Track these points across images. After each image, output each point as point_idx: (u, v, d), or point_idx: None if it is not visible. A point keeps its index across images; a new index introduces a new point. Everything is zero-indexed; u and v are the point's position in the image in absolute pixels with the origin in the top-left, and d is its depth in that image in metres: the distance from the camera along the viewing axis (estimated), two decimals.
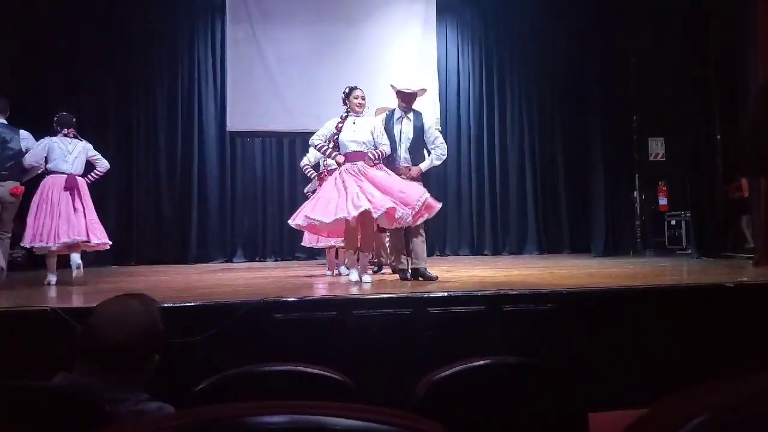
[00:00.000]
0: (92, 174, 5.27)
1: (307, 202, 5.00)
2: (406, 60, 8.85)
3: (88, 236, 4.89)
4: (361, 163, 4.60)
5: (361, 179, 4.50)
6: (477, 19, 9.50)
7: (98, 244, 5.06)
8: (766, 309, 3.39)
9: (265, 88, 8.67)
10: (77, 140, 5.11)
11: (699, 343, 3.26)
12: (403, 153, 4.89)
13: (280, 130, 8.81)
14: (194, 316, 3.24)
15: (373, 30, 8.91)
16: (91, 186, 5.25)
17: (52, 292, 4.64)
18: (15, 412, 1.29)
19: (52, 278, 4.88)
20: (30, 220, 4.85)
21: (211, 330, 3.09)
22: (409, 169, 4.84)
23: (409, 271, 4.77)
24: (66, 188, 4.90)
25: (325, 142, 4.78)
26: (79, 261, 5.00)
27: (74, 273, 4.94)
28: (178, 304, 3.32)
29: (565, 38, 9.04)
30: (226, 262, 8.52)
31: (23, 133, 4.87)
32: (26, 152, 4.82)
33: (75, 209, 4.90)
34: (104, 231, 5.12)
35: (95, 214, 5.12)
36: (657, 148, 8.64)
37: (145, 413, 1.43)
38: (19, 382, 1.50)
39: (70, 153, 4.99)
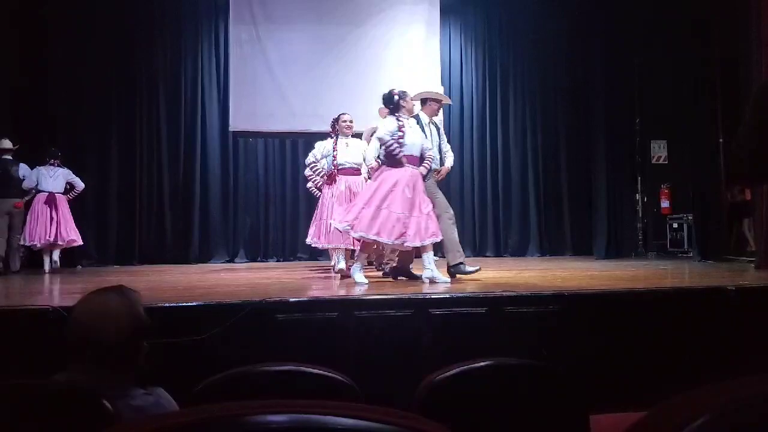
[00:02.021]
0: (72, 193, 7.02)
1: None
2: (410, 61, 8.85)
3: (56, 239, 6.65)
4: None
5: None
6: (480, 20, 9.50)
7: (69, 241, 6.83)
8: (767, 312, 3.39)
9: (268, 88, 8.68)
10: (59, 168, 6.89)
11: (700, 346, 3.25)
12: (436, 155, 5.08)
13: (282, 131, 8.82)
14: (196, 315, 3.24)
15: (376, 31, 8.92)
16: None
17: (55, 291, 4.65)
18: (17, 411, 1.29)
19: (46, 267, 6.73)
20: (25, 227, 6.66)
21: (213, 330, 3.09)
22: (439, 172, 5.04)
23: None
24: (46, 202, 6.69)
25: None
26: (56, 258, 6.85)
27: (47, 267, 6.73)
28: (180, 304, 3.32)
29: (568, 39, 9.03)
30: (228, 262, 8.53)
31: (22, 165, 6.68)
32: (23, 179, 6.65)
33: (52, 218, 6.63)
34: (77, 233, 6.92)
35: (71, 221, 6.85)
36: (659, 150, 8.63)
37: (143, 409, 1.44)
38: (20, 380, 1.50)
39: (51, 177, 6.79)
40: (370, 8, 8.94)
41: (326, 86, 8.54)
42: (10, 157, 6.59)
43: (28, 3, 7.74)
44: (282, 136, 8.96)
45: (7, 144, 6.57)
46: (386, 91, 4.78)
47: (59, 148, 7.12)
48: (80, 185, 7.01)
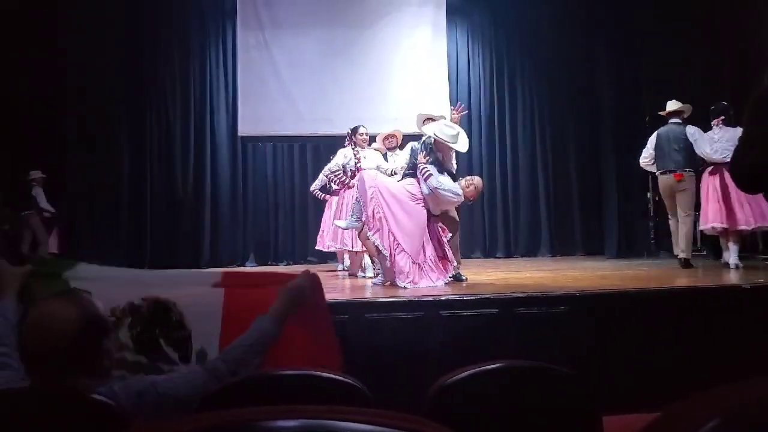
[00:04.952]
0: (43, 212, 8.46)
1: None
2: (417, 63, 8.86)
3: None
4: None
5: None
6: (487, 21, 9.48)
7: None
8: None
9: (276, 93, 8.71)
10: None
11: (714, 346, 3.22)
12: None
13: (291, 135, 8.85)
14: None
15: (382, 34, 8.93)
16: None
17: None
18: (21, 416, 1.30)
19: None
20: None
21: None
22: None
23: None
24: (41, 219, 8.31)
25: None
26: None
27: None
28: None
29: (575, 39, 8.99)
30: (239, 266, 8.55)
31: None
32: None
33: (50, 231, 8.31)
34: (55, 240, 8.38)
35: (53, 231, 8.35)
36: None
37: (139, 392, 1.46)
38: (24, 385, 1.51)
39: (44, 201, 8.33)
40: (376, 11, 8.95)
41: (334, 90, 8.57)
42: (34, 183, 8.06)
43: (31, 4, 7.81)
44: (290, 140, 8.98)
45: (37, 174, 7.95)
46: None
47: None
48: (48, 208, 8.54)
